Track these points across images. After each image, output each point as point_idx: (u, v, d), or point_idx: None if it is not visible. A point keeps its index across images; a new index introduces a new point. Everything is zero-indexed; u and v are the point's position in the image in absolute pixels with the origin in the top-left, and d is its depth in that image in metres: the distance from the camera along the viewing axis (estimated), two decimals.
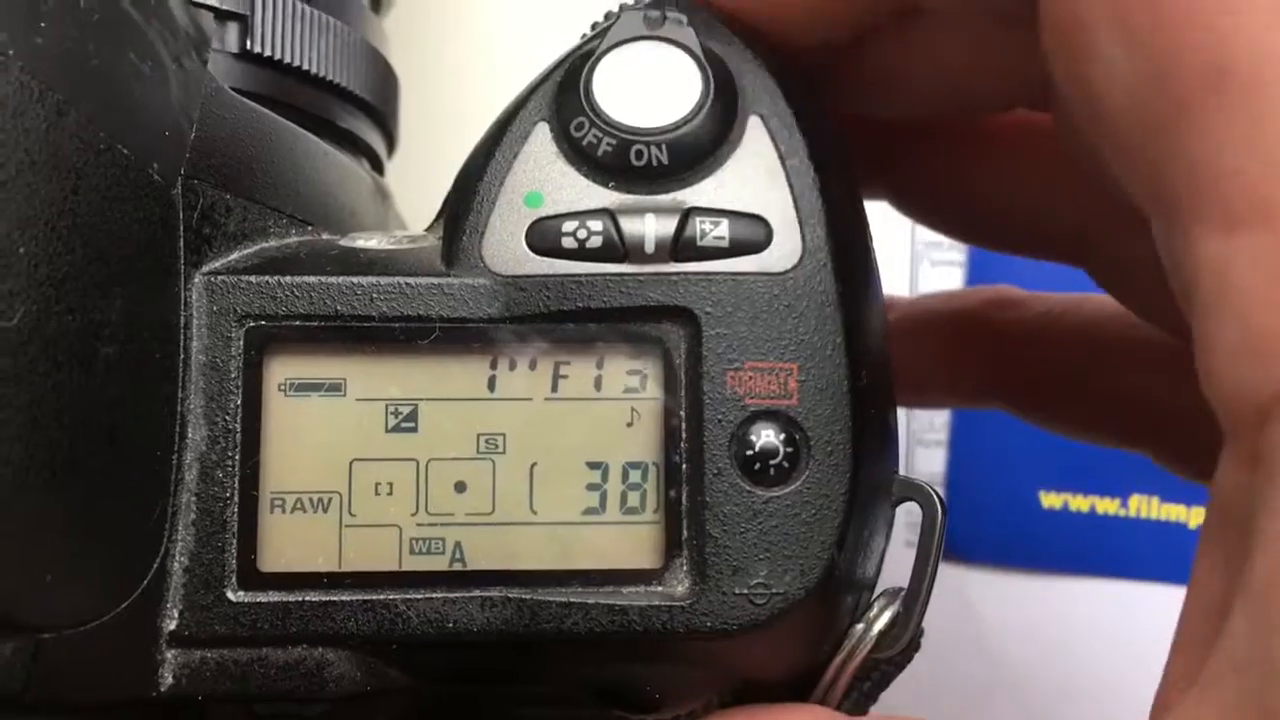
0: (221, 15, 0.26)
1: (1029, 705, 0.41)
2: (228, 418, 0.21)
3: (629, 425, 0.21)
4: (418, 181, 0.30)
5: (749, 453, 0.21)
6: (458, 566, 0.21)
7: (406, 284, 0.21)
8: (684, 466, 0.21)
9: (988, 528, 0.42)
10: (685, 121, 0.21)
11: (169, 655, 0.20)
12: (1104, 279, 0.26)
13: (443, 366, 0.21)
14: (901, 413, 0.25)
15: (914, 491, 0.22)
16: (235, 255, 0.22)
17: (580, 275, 0.21)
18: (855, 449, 0.21)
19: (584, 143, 0.21)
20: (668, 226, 0.21)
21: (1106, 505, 0.42)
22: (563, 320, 0.21)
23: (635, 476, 0.21)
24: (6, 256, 0.17)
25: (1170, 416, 0.27)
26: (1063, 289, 0.30)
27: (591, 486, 0.21)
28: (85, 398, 0.18)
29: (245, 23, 0.26)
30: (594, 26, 0.23)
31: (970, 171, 0.27)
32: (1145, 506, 0.42)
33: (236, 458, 0.21)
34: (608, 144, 0.21)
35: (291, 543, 0.21)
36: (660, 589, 0.21)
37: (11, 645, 0.17)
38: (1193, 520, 0.42)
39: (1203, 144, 0.16)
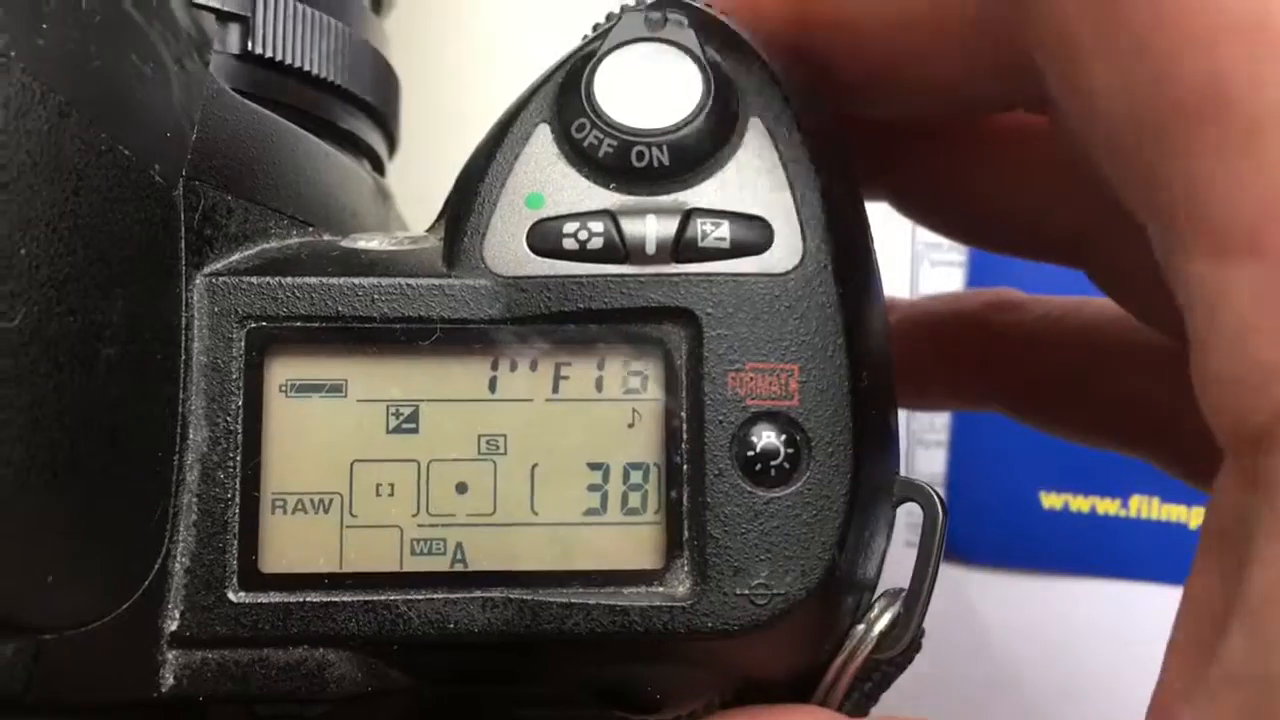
0: (223, 17, 0.26)
1: (1029, 705, 0.41)
2: (229, 419, 0.21)
3: (630, 426, 0.21)
4: (419, 182, 0.30)
5: (750, 453, 0.21)
6: (459, 567, 0.21)
7: (407, 285, 0.21)
8: (685, 467, 0.21)
9: (988, 528, 0.42)
10: (686, 123, 0.21)
11: (170, 656, 0.20)
12: (1103, 281, 0.26)
13: (444, 367, 0.21)
14: (902, 413, 0.25)
15: (915, 492, 0.22)
16: (236, 256, 0.22)
17: (581, 276, 0.21)
18: (856, 450, 0.21)
19: (585, 144, 0.21)
20: (669, 227, 0.21)
21: (1107, 506, 0.42)
22: (564, 321, 0.21)
23: (636, 477, 0.21)
24: (8, 257, 0.17)
25: (1170, 420, 0.27)
26: (1063, 291, 0.30)
27: (592, 487, 0.21)
28: (86, 399, 0.18)
29: (246, 24, 0.26)
30: (595, 28, 0.23)
31: (970, 173, 0.27)
32: (1146, 507, 0.42)
33: (238, 458, 0.21)
34: (609, 145, 0.21)
35: (293, 543, 0.21)
36: (661, 590, 0.21)
37: (13, 646, 0.17)
38: (1193, 521, 0.42)
39: (1195, 168, 0.16)
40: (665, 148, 0.21)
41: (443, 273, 0.22)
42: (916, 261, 0.44)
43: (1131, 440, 0.29)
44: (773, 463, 0.21)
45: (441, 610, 0.21)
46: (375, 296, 0.21)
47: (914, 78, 0.23)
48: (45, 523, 0.18)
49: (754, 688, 0.22)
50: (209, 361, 0.21)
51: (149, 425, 0.20)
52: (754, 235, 0.21)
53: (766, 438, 0.21)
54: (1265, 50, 0.15)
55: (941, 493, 0.22)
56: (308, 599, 0.21)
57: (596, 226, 0.21)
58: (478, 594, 0.21)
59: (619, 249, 0.21)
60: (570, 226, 0.21)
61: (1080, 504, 0.42)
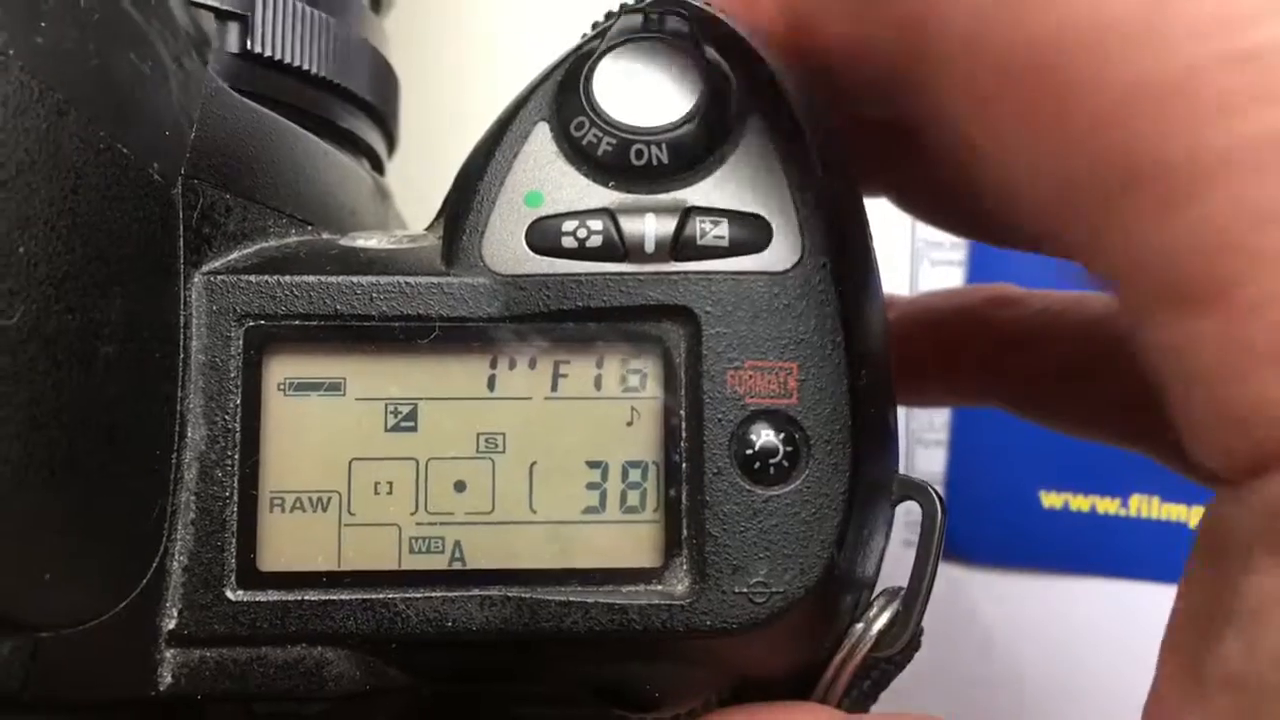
0: (222, 15, 0.26)
1: (1029, 704, 0.41)
2: (227, 417, 0.21)
3: (629, 424, 0.21)
4: (418, 181, 0.30)
5: (749, 452, 0.21)
6: (457, 565, 0.21)
7: (406, 283, 0.21)
8: (684, 465, 0.21)
9: (988, 527, 0.42)
10: (685, 121, 0.21)
11: (168, 654, 0.20)
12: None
13: (442, 366, 0.21)
14: (901, 412, 0.25)
15: (914, 490, 0.22)
16: (235, 255, 0.22)
17: (580, 274, 0.21)
18: (855, 448, 0.21)
19: (584, 142, 0.21)
20: (667, 226, 0.21)
21: (1107, 505, 0.42)
22: (562, 319, 0.21)
23: (635, 475, 0.21)
24: (6, 255, 0.17)
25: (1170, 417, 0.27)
26: (1063, 289, 0.30)
27: (591, 485, 0.21)
28: (85, 397, 0.18)
29: (245, 23, 0.26)
30: (594, 26, 0.23)
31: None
32: (1146, 506, 0.42)
33: (236, 457, 0.21)
34: (608, 143, 0.21)
35: (291, 542, 0.21)
36: (660, 588, 0.21)
37: (10, 644, 0.17)
38: (1193, 520, 0.42)
39: (1137, 232, 0.16)
40: (664, 146, 0.21)
41: (441, 271, 0.22)
42: (916, 260, 0.44)
43: (1132, 435, 0.29)
44: (771, 461, 0.21)
45: (440, 608, 0.21)
46: (374, 295, 0.21)
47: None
48: (43, 521, 0.18)
49: (752, 686, 0.22)
50: (207, 360, 0.21)
51: (147, 423, 0.20)
52: (753, 234, 0.21)
53: (765, 436, 0.21)
54: (1180, 108, 0.15)
55: (941, 492, 0.22)
56: (306, 597, 0.21)
57: (595, 225, 0.21)
58: (476, 592, 0.21)
59: (618, 247, 0.21)
60: (569, 225, 0.21)
61: (1080, 503, 0.42)
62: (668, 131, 0.21)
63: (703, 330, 0.21)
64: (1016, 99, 0.17)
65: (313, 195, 0.25)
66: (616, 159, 0.21)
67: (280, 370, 0.21)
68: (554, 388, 0.21)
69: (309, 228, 0.24)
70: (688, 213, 0.21)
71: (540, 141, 0.22)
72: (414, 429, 0.21)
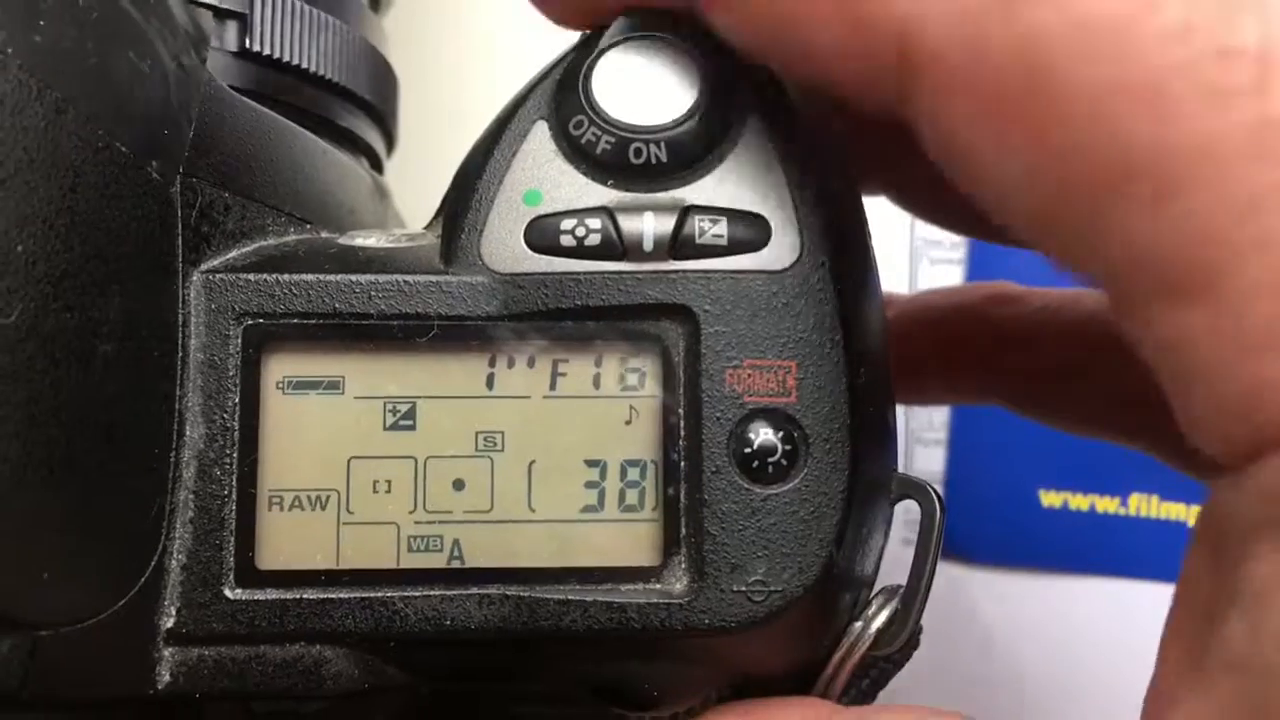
0: (220, 14, 0.26)
1: (1028, 703, 0.41)
2: (226, 415, 0.21)
3: (627, 423, 0.21)
4: (417, 180, 0.30)
5: (747, 450, 0.21)
6: (456, 564, 0.21)
7: (405, 282, 0.21)
8: (682, 464, 0.21)
9: (987, 526, 0.42)
10: (684, 120, 0.21)
11: (166, 653, 0.20)
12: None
13: (441, 364, 0.21)
14: (900, 411, 0.25)
15: (913, 489, 0.22)
16: (234, 253, 0.22)
17: (579, 273, 0.21)
18: (854, 446, 0.21)
19: (583, 141, 0.21)
20: (666, 225, 0.21)
21: (1106, 504, 0.42)
22: (561, 318, 0.21)
23: (634, 474, 0.21)
24: (5, 254, 0.17)
25: (1170, 410, 0.27)
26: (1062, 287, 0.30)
27: (590, 484, 0.21)
28: (83, 395, 0.18)
29: (244, 21, 0.26)
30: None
31: None
32: (1145, 505, 0.42)
33: (234, 455, 0.21)
34: (606, 142, 0.21)
35: (289, 540, 0.21)
36: (658, 586, 0.21)
37: (9, 642, 0.17)
38: (1192, 519, 0.42)
39: (1128, 227, 0.16)
40: (663, 145, 0.21)
41: (440, 270, 0.22)
42: (915, 260, 0.44)
43: (1131, 431, 0.29)
44: (770, 460, 0.21)
45: (438, 607, 0.21)
46: (372, 293, 0.21)
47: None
48: (41, 519, 0.18)
49: (751, 684, 0.22)
50: (206, 358, 0.21)
51: (146, 422, 0.20)
52: (751, 232, 0.21)
53: (764, 435, 0.21)
54: (1163, 104, 0.16)
55: (940, 491, 0.22)
56: (304, 596, 0.21)
57: (594, 223, 0.21)
58: (475, 591, 0.21)
59: (616, 246, 0.21)
60: (568, 223, 0.21)
61: (1079, 502, 0.42)
62: (667, 130, 0.21)
63: (701, 329, 0.21)
64: (1004, 100, 0.17)
65: (311, 194, 0.25)
66: (615, 157, 0.21)
67: (279, 369, 0.21)
68: (553, 386, 0.21)
69: (308, 226, 0.24)
70: (686, 211, 0.21)
71: (539, 140, 0.22)
72: (412, 427, 0.21)
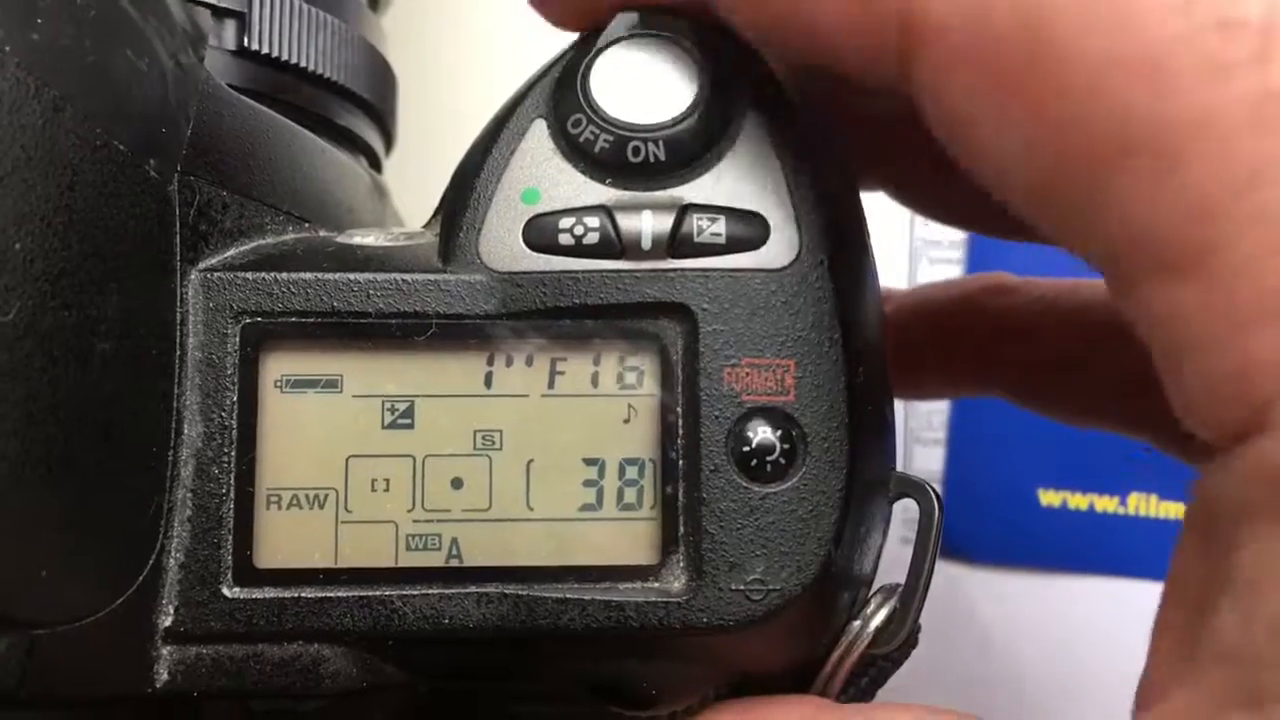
0: (219, 12, 0.26)
1: (1028, 702, 0.41)
2: (224, 414, 0.21)
3: (626, 421, 0.21)
4: (415, 179, 0.30)
5: (746, 449, 0.21)
6: (454, 563, 0.21)
7: (403, 280, 0.21)
8: (681, 463, 0.21)
9: (986, 526, 0.42)
10: (682, 118, 0.21)
11: (164, 651, 0.20)
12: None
13: (439, 363, 0.21)
14: (899, 410, 0.25)
15: (911, 488, 0.22)
16: (232, 252, 0.22)
17: (577, 272, 0.21)
18: (852, 445, 0.21)
19: (581, 139, 0.21)
20: (664, 223, 0.21)
21: (1105, 503, 0.42)
22: (559, 316, 0.21)
23: (632, 473, 0.21)
24: (2, 252, 0.17)
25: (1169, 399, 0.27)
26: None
27: (588, 483, 0.21)
28: (81, 393, 0.18)
29: (243, 20, 0.26)
30: None
31: None
32: (1144, 504, 0.42)
33: (233, 454, 0.21)
34: (605, 140, 0.21)
35: (287, 539, 0.21)
36: (657, 585, 0.21)
37: (7, 641, 0.17)
38: None
39: (1126, 201, 0.16)
40: (661, 143, 0.21)
41: (438, 268, 0.22)
42: (915, 259, 0.44)
43: (1131, 421, 0.29)
44: (768, 458, 0.21)
45: (436, 606, 0.21)
46: (371, 292, 0.21)
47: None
48: (39, 518, 0.18)
49: (750, 682, 0.22)
50: (204, 357, 0.21)
51: (144, 420, 0.20)
52: (750, 231, 0.21)
53: (762, 433, 0.21)
54: (1162, 76, 0.16)
55: (939, 489, 0.22)
56: (303, 594, 0.21)
57: (592, 222, 0.21)
58: (473, 589, 0.21)
59: (615, 244, 0.21)
60: (566, 222, 0.21)
61: (1078, 501, 0.42)
62: (665, 129, 0.21)
63: (700, 327, 0.21)
64: (1005, 72, 0.17)
65: (310, 192, 0.25)
66: (614, 156, 0.21)
67: (277, 367, 0.21)
68: (551, 385, 0.21)
69: (306, 225, 0.23)
70: (685, 210, 0.21)
71: (537, 138, 0.22)
72: (411, 426, 0.21)
